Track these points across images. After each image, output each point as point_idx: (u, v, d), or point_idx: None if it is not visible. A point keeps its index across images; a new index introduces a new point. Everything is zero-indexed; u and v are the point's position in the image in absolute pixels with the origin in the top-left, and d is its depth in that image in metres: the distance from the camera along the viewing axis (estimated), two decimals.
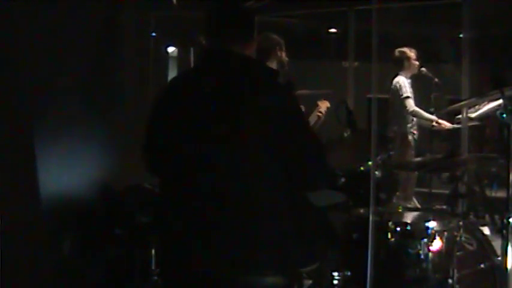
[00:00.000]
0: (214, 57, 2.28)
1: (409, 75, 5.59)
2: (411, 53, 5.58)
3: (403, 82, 5.50)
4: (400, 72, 5.57)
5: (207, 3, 2.35)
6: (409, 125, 5.53)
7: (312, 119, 4.36)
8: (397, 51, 5.61)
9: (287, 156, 2.13)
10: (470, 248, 3.16)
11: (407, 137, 5.51)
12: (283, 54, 3.89)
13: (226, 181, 2.11)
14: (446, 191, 5.08)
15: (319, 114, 4.42)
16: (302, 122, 2.27)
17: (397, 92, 5.49)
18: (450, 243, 2.98)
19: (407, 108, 5.45)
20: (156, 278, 3.32)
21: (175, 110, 2.24)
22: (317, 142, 2.21)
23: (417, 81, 5.67)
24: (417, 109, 5.50)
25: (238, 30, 2.28)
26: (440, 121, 5.50)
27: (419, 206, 5.28)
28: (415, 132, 5.57)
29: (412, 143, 5.54)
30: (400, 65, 5.60)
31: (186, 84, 2.31)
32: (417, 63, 5.60)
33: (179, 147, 2.20)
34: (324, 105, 4.52)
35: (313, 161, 2.19)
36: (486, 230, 3.74)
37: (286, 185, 2.15)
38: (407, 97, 5.45)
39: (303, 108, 4.20)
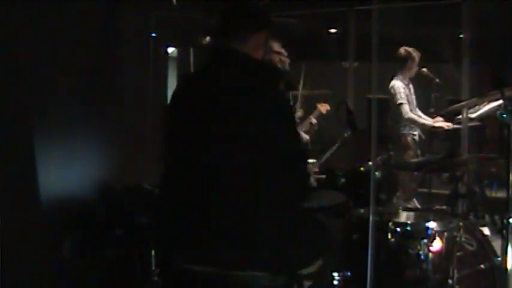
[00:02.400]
0: (224, 56, 2.28)
1: (406, 77, 5.53)
2: (416, 55, 5.52)
3: (397, 87, 5.42)
4: (398, 74, 5.51)
5: (207, 4, 2.36)
6: (404, 128, 5.50)
7: (305, 126, 4.30)
8: (402, 49, 5.51)
9: (272, 159, 2.13)
10: (470, 248, 3.15)
11: (405, 139, 5.49)
12: (273, 56, 3.82)
13: (228, 181, 2.12)
14: (446, 191, 5.06)
15: (312, 123, 4.38)
16: (290, 127, 2.29)
17: (392, 96, 5.47)
18: (450, 244, 2.97)
19: (403, 115, 5.42)
20: (156, 278, 3.32)
21: (184, 110, 2.25)
22: (300, 149, 2.24)
23: (417, 81, 5.65)
24: (412, 115, 5.43)
25: (249, 29, 2.29)
26: (437, 124, 5.47)
27: (419, 206, 5.27)
28: (414, 133, 5.54)
29: (411, 144, 5.52)
30: (402, 63, 5.53)
31: (195, 84, 2.31)
32: (417, 67, 5.55)
33: (184, 148, 2.21)
34: (323, 108, 4.49)
35: (295, 167, 2.21)
36: (486, 230, 3.72)
37: (286, 187, 2.15)
38: (401, 104, 5.40)
39: (299, 111, 4.15)
